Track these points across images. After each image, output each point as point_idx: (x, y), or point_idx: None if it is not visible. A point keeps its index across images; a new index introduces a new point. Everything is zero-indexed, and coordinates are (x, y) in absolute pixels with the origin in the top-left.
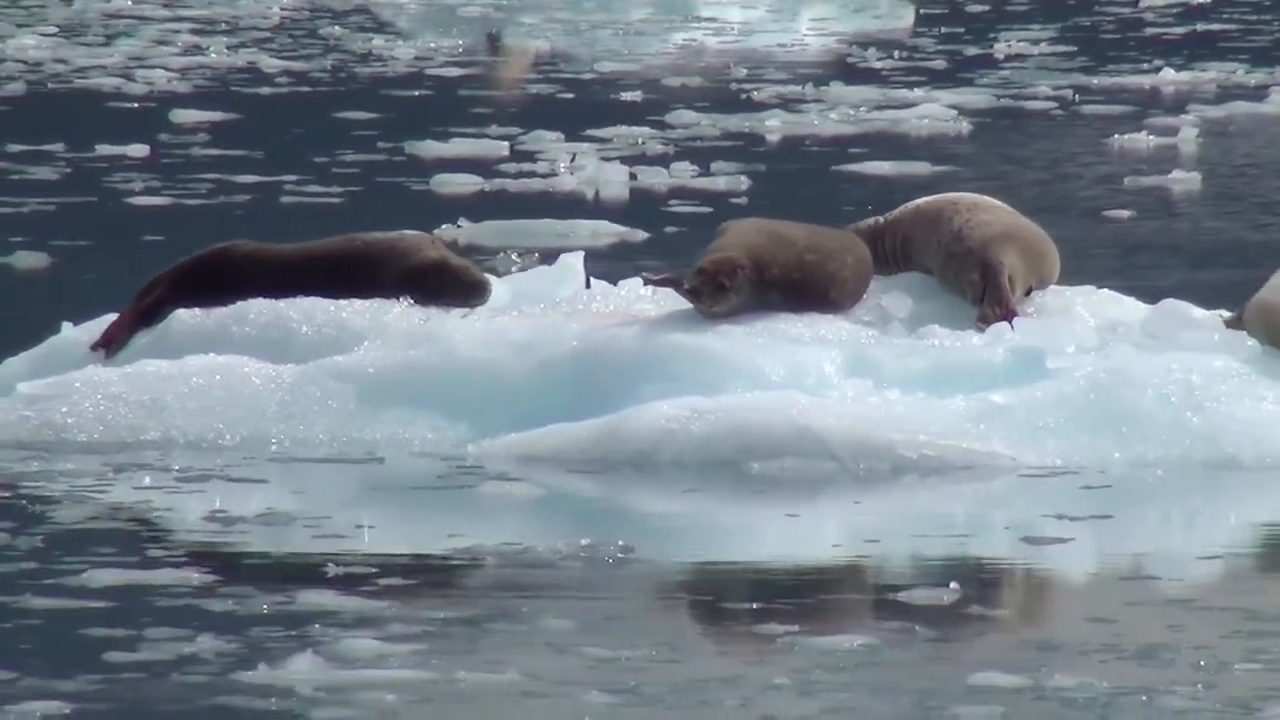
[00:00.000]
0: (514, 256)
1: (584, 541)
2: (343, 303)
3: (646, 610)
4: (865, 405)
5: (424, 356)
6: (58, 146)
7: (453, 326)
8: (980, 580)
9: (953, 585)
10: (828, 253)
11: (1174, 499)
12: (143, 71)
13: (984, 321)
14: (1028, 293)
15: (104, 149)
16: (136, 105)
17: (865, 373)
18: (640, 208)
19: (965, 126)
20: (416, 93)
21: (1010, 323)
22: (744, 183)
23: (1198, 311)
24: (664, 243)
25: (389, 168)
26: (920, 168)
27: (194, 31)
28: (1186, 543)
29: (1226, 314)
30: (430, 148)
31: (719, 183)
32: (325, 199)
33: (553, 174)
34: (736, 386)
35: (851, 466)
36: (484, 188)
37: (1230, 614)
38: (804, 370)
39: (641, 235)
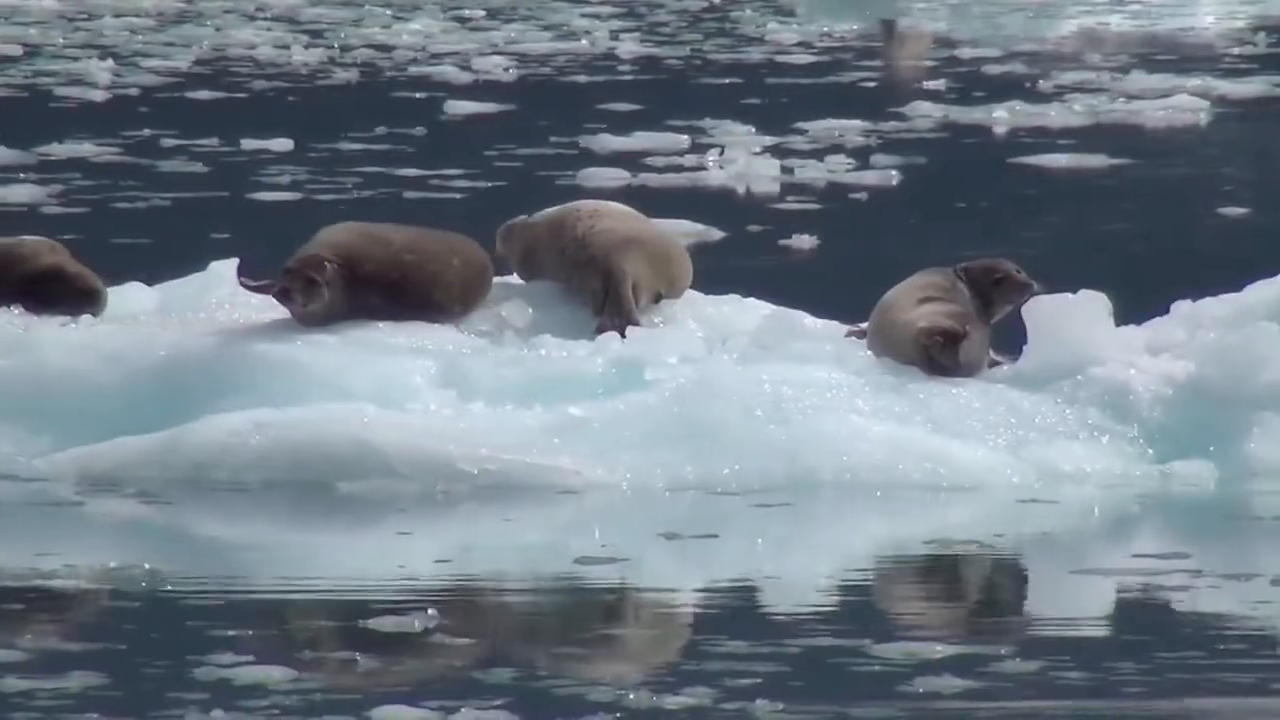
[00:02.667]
0: None
1: (112, 564)
2: None
3: (140, 637)
4: (438, 419)
5: (14, 366)
6: (211, 140)
7: (47, 335)
8: (469, 606)
9: (430, 612)
10: (429, 254)
11: (738, 520)
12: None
13: (601, 331)
14: (656, 300)
15: (248, 143)
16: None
17: (455, 384)
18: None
19: (1203, 118)
20: (727, 81)
21: (622, 332)
22: (894, 178)
23: (810, 321)
24: (743, 243)
25: (554, 161)
26: (1098, 160)
27: (615, 16)
28: (720, 567)
29: (852, 326)
30: (603, 141)
31: (867, 178)
32: (447, 194)
33: (700, 168)
34: (320, 398)
35: (424, 482)
36: (629, 183)
37: (743, 640)
38: (391, 381)
39: (717, 234)
